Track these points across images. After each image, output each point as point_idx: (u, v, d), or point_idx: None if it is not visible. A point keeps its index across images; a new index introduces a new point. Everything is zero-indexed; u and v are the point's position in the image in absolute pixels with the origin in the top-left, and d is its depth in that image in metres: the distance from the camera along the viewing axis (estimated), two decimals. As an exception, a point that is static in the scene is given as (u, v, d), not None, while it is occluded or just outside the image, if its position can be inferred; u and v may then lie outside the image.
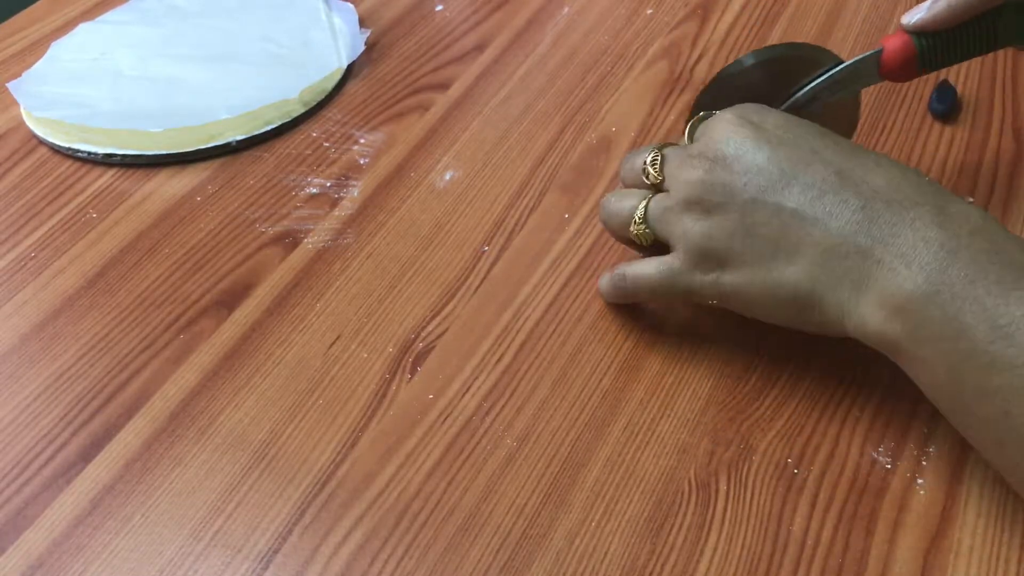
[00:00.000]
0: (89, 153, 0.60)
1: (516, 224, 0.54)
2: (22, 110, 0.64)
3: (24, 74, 0.65)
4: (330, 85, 0.64)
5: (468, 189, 0.56)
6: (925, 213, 0.37)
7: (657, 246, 0.44)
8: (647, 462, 0.41)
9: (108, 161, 0.60)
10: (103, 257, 0.53)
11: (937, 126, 0.57)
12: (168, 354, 0.48)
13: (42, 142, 0.62)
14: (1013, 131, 0.56)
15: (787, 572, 0.37)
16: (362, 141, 0.60)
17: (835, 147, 0.41)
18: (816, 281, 0.39)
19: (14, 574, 0.39)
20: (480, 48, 0.68)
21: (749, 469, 0.41)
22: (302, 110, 0.62)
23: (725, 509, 0.40)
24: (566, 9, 0.71)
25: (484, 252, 0.52)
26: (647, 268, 0.44)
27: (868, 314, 0.38)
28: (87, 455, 0.43)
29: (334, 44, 0.67)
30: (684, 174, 0.42)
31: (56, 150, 0.61)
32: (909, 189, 0.39)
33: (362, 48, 0.66)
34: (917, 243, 0.37)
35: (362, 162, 0.59)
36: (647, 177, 0.44)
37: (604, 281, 0.47)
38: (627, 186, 0.46)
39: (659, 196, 0.43)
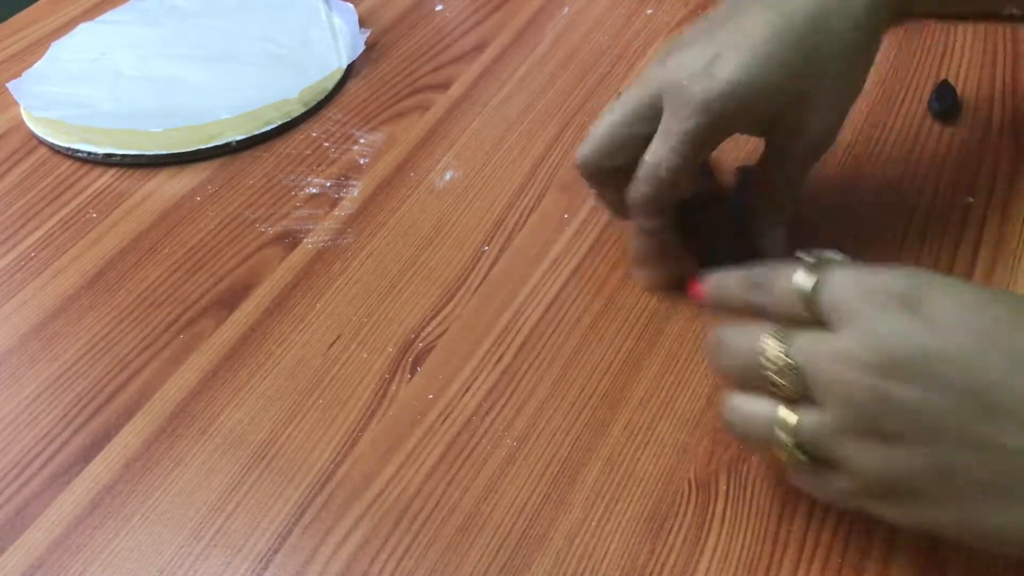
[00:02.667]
0: (89, 153, 0.60)
1: (516, 224, 0.54)
2: (22, 110, 0.64)
3: (24, 74, 0.66)
4: (330, 85, 0.64)
5: (468, 189, 0.56)
6: None
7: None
8: (647, 462, 0.41)
9: (108, 161, 0.60)
10: (103, 257, 0.53)
11: (937, 126, 0.57)
12: (168, 354, 0.48)
13: (42, 142, 0.62)
14: (1013, 131, 0.56)
15: (787, 572, 0.37)
16: (362, 141, 0.60)
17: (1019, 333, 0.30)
18: None
19: (14, 574, 0.39)
20: (480, 48, 0.68)
21: (749, 469, 0.41)
22: (302, 110, 0.62)
23: (725, 509, 0.40)
24: (566, 9, 0.71)
25: (484, 252, 0.52)
26: (813, 486, 0.36)
27: None
28: (87, 455, 0.43)
29: (334, 44, 0.67)
30: (844, 392, 0.32)
31: (56, 150, 0.61)
32: None
33: (362, 48, 0.66)
34: None
35: (362, 162, 0.59)
36: (778, 389, 0.33)
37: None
38: (740, 383, 0.36)
39: (808, 413, 0.33)
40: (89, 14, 0.73)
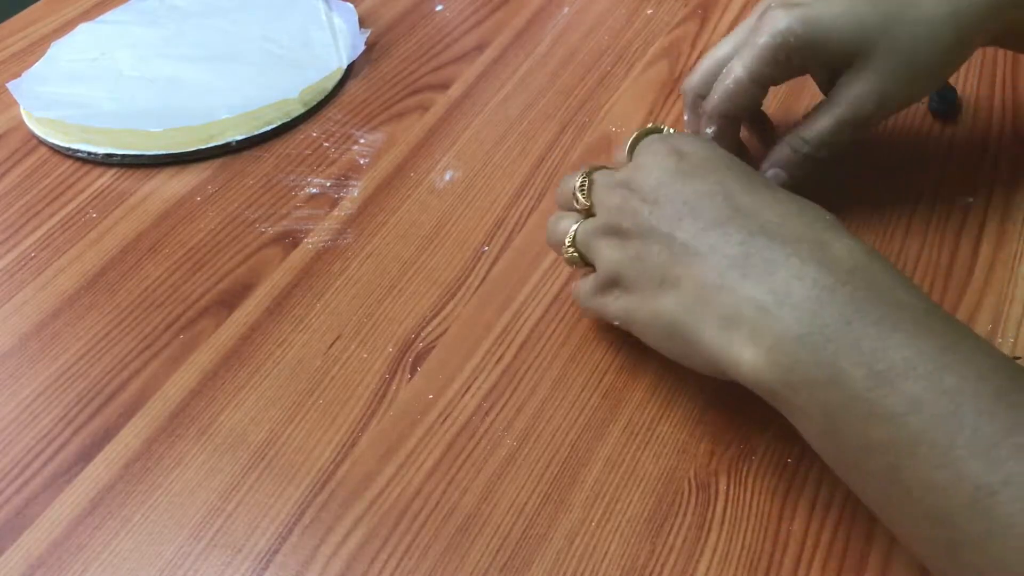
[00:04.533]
0: (89, 153, 0.60)
1: (516, 224, 0.54)
2: (22, 110, 0.64)
3: (24, 74, 0.65)
4: (330, 85, 0.64)
5: (468, 189, 0.56)
6: (804, 249, 0.36)
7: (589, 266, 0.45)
8: (647, 462, 0.41)
9: (108, 161, 0.60)
10: (103, 257, 0.53)
11: (937, 126, 0.57)
12: (168, 354, 0.48)
13: (42, 142, 0.62)
14: (1013, 131, 0.56)
15: (787, 572, 0.37)
16: (362, 141, 0.60)
17: (743, 182, 0.39)
18: (689, 314, 0.38)
19: (14, 574, 0.39)
20: (480, 48, 0.68)
21: (749, 469, 0.41)
22: (302, 110, 0.62)
23: (725, 509, 0.40)
24: (566, 9, 0.71)
25: (484, 252, 0.52)
26: (578, 285, 0.46)
27: (739, 354, 0.36)
28: (87, 455, 0.43)
29: (334, 44, 0.67)
30: (607, 201, 0.42)
31: (56, 150, 0.61)
32: (798, 224, 0.37)
33: (362, 48, 0.66)
34: (791, 280, 0.35)
35: (362, 162, 0.59)
36: (576, 202, 0.44)
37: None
38: (560, 208, 0.47)
39: (587, 221, 0.44)
40: (89, 14, 0.73)
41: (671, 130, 0.47)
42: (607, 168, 0.45)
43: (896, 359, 0.32)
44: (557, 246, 0.46)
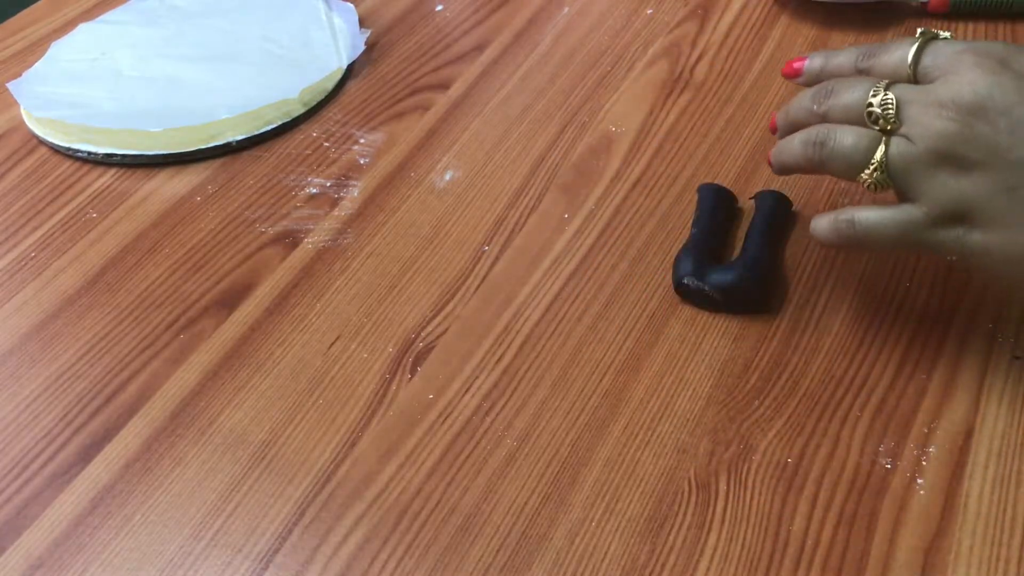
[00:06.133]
0: (89, 153, 0.60)
1: (516, 224, 0.54)
2: (22, 110, 0.64)
3: (24, 74, 0.66)
4: (330, 85, 0.64)
5: (468, 189, 0.56)
6: None
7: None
8: (647, 462, 0.41)
9: (108, 161, 0.60)
10: (103, 257, 0.54)
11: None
12: (168, 354, 0.48)
13: (42, 142, 0.62)
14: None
15: (787, 572, 0.37)
16: (362, 141, 0.60)
17: None
18: None
19: (14, 574, 0.39)
20: (480, 48, 0.68)
21: (749, 469, 0.41)
22: (302, 110, 0.62)
23: (725, 509, 0.40)
24: (566, 9, 0.71)
25: (484, 252, 0.52)
26: (884, 218, 0.40)
27: None
28: (87, 455, 0.43)
29: (334, 44, 0.67)
30: (936, 124, 0.38)
31: (56, 150, 0.61)
32: None
33: (362, 48, 0.66)
34: None
35: (362, 162, 0.59)
36: (874, 120, 0.39)
37: (823, 224, 0.42)
38: (803, 122, 0.42)
39: (900, 142, 0.39)
40: (89, 14, 0.73)
41: (948, 34, 0.42)
42: (907, 84, 0.40)
43: None
44: (850, 168, 0.40)
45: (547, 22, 0.70)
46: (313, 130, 0.62)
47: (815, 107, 0.43)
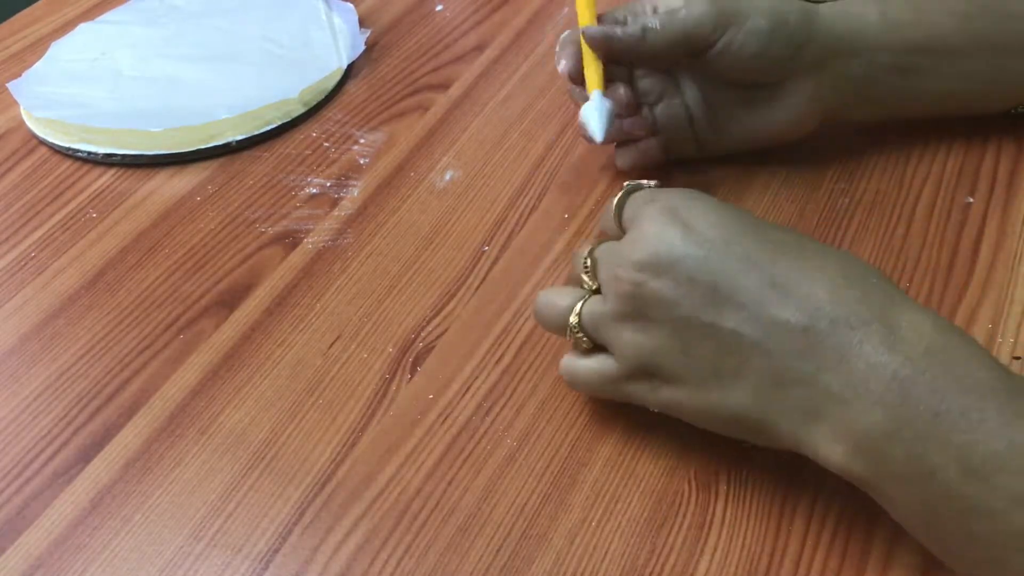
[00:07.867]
0: (89, 153, 0.60)
1: (516, 224, 0.54)
2: (22, 110, 0.64)
3: (24, 74, 0.66)
4: (330, 85, 0.64)
5: (468, 189, 0.56)
6: (873, 333, 0.34)
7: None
8: (647, 462, 0.41)
9: (108, 161, 0.60)
10: (103, 257, 0.53)
11: (937, 126, 0.57)
12: (168, 354, 0.48)
13: (42, 142, 0.62)
14: (1013, 131, 0.56)
15: (787, 572, 0.37)
16: (362, 141, 0.60)
17: (770, 247, 0.37)
18: (764, 409, 0.36)
19: (14, 574, 0.39)
20: (480, 48, 0.68)
21: (749, 469, 0.41)
22: (302, 110, 0.62)
23: (725, 509, 0.40)
24: (566, 9, 0.71)
25: (484, 252, 0.52)
26: (586, 368, 0.41)
27: (825, 447, 0.35)
28: (87, 455, 0.43)
29: (334, 44, 0.67)
30: (614, 284, 0.38)
31: (56, 150, 0.61)
32: (854, 301, 0.35)
33: (362, 48, 0.66)
34: (867, 371, 0.33)
35: (362, 162, 0.59)
36: (583, 284, 0.41)
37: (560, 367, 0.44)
38: (570, 280, 0.44)
39: (593, 300, 0.40)
40: (89, 14, 0.73)
41: (652, 183, 0.43)
42: (609, 240, 0.41)
43: (987, 453, 0.31)
44: (558, 328, 0.42)
45: (547, 22, 0.70)
46: (313, 130, 0.62)
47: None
